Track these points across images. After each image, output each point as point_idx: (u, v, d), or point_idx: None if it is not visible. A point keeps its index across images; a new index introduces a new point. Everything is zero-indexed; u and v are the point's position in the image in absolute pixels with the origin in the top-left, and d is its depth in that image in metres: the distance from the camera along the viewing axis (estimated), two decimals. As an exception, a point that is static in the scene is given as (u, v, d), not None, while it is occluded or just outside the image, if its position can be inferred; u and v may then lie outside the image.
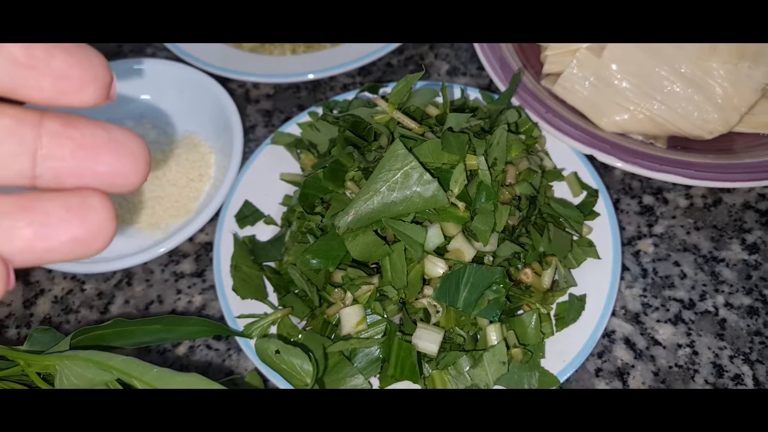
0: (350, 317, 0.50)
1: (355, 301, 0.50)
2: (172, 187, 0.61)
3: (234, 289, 0.53)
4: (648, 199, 0.62)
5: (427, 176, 0.46)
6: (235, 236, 0.56)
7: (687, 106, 0.59)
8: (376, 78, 0.71)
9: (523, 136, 0.54)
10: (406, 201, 0.47)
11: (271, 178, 0.60)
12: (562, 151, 0.60)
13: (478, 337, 0.50)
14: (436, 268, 0.48)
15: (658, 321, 0.55)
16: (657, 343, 0.54)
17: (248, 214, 0.58)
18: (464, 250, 0.48)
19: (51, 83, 0.18)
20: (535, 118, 0.60)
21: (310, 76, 0.67)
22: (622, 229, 0.60)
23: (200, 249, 0.61)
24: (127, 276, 0.60)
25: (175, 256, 0.61)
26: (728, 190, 0.62)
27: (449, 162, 0.48)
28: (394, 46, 0.69)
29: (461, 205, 0.48)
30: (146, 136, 0.64)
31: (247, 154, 0.65)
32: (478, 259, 0.50)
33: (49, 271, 0.61)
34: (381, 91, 0.62)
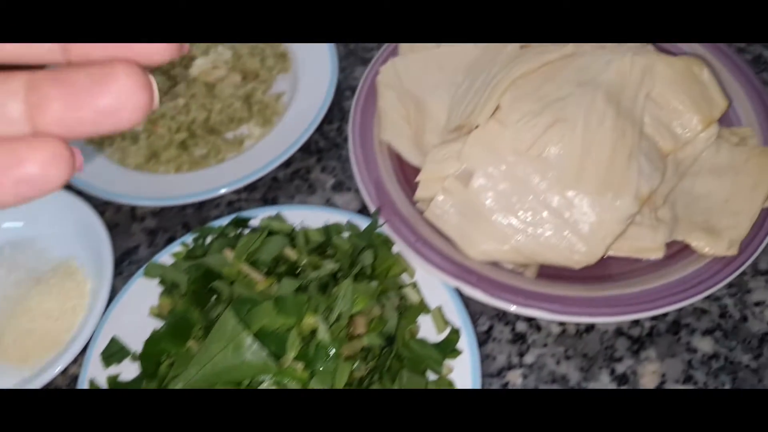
0: (196, 474, 0.49)
1: (202, 457, 0.50)
2: (45, 320, 0.61)
3: (85, 442, 0.53)
4: (521, 326, 0.61)
5: (256, 347, 0.46)
6: (91, 383, 0.56)
7: (552, 239, 0.58)
8: (262, 194, 0.70)
9: (375, 283, 0.54)
10: (239, 368, 0.47)
11: (142, 311, 0.60)
12: (432, 282, 0.60)
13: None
14: None
15: (520, 461, 0.55)
16: (516, 486, 0.53)
17: (114, 352, 0.58)
18: (304, 410, 0.48)
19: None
20: (404, 246, 0.60)
21: (192, 199, 0.67)
22: (492, 359, 0.60)
23: (72, 382, 0.61)
24: (-3, 412, 0.60)
25: (46, 388, 0.61)
26: (601, 316, 0.62)
27: (286, 324, 0.48)
28: (279, 161, 0.68)
29: (299, 366, 0.48)
30: (22, 265, 0.64)
31: (127, 277, 0.64)
32: (322, 415, 0.49)
33: None
34: (251, 222, 0.62)
